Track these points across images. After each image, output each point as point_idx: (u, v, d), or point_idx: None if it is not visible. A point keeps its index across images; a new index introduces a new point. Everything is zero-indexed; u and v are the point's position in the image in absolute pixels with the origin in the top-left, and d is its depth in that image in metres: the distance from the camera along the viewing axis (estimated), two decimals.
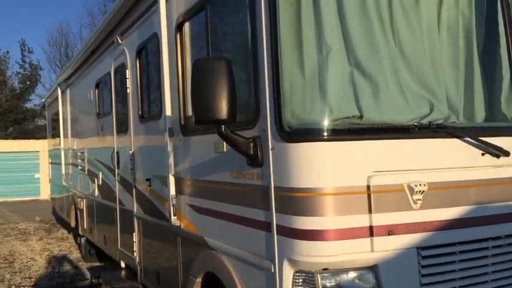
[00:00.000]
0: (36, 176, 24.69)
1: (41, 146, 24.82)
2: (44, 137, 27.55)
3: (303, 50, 2.68)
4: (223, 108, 2.66)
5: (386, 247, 2.52)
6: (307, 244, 2.52)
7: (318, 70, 2.65)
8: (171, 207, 4.12)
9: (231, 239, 3.25)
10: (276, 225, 2.69)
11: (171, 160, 4.13)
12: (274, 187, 2.70)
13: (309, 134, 2.55)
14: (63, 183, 10.44)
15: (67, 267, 9.02)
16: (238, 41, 3.16)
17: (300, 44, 2.69)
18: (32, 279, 8.22)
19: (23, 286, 7.83)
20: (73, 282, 7.96)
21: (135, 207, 5.47)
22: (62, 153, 10.44)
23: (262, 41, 2.76)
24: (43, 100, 15.39)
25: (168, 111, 4.14)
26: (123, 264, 6.20)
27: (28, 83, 34.76)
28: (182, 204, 4.09)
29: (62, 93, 10.39)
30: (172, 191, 4.12)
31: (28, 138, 27.41)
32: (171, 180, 4.13)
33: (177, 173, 4.13)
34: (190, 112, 4.03)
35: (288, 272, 2.61)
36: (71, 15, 57.79)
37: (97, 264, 9.07)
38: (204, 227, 3.69)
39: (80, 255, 10.02)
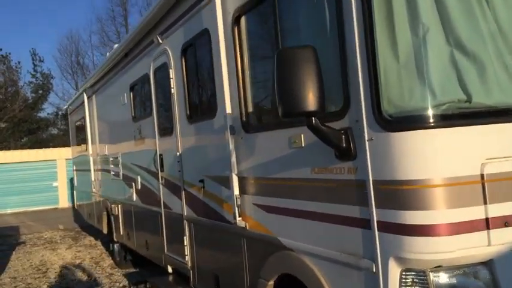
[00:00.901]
0: (55, 184, 24.70)
1: (57, 155, 24.89)
2: (59, 145, 27.68)
3: (399, 31, 2.52)
4: (312, 100, 2.51)
5: (503, 240, 2.35)
6: (418, 240, 2.36)
7: (417, 52, 2.48)
8: (236, 208, 3.97)
9: (314, 238, 3.10)
10: (377, 221, 2.53)
11: (234, 159, 3.98)
12: (373, 181, 2.54)
13: (415, 121, 2.39)
14: (93, 189, 10.34)
15: (102, 274, 8.92)
16: (319, 28, 3.00)
17: (395, 25, 2.52)
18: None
19: None
20: None
21: (185, 210, 5.34)
22: (91, 159, 10.34)
23: (353, 26, 2.61)
24: (65, 107, 15.32)
25: (228, 109, 3.99)
26: (170, 269, 6.06)
27: (40, 92, 34.89)
28: (247, 205, 3.95)
29: (88, 99, 10.30)
30: (236, 191, 3.98)
31: (43, 147, 27.43)
32: (235, 179, 3.98)
33: (240, 172, 3.99)
34: (251, 108, 3.90)
35: (395, 271, 2.45)
36: (80, 22, 58.03)
37: (132, 270, 8.97)
38: (276, 227, 3.54)
39: (112, 261, 9.93)
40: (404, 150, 2.39)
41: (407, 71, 2.49)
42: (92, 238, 13.40)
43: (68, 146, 27.78)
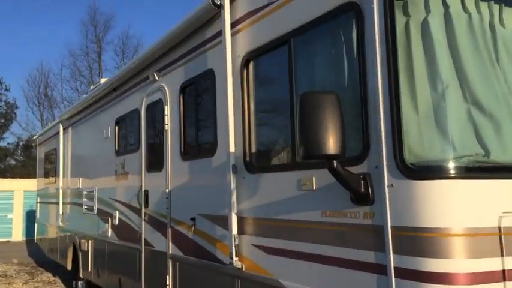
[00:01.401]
0: (9, 216, 23.70)
1: (15, 186, 24.04)
2: (17, 177, 26.76)
3: (421, 85, 2.66)
4: (335, 144, 2.60)
5: None
6: None
7: (438, 105, 2.63)
8: (233, 248, 3.94)
9: (321, 282, 3.11)
10: (395, 267, 2.58)
11: (234, 198, 3.99)
12: (392, 226, 2.61)
13: (438, 170, 2.50)
14: (60, 223, 10.00)
15: None
16: (338, 73, 3.12)
17: (416, 78, 2.67)
18: None
19: None
20: None
21: (170, 248, 5.24)
22: (60, 192, 10.05)
23: (376, 74, 2.73)
24: (34, 137, 14.95)
25: (231, 148, 4.03)
26: None
27: (2, 121, 33.97)
28: (245, 245, 3.93)
29: (64, 130, 10.12)
30: (235, 230, 3.96)
31: (0, 177, 26.47)
32: (234, 219, 3.97)
33: (240, 212, 3.99)
34: (255, 149, 3.96)
35: None
36: (52, 55, 57.34)
37: None
38: (278, 269, 3.53)
39: None
40: (426, 198, 2.48)
41: (429, 123, 2.61)
42: (49, 274, 12.84)
43: (27, 177, 27.02)
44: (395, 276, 2.58)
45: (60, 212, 10.02)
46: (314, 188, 3.19)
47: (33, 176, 27.78)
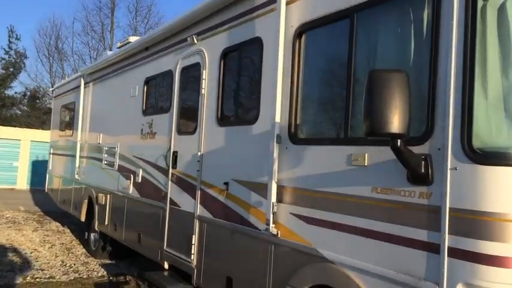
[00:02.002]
0: (15, 164, 23.90)
1: (22, 135, 24.17)
2: (22, 126, 26.84)
3: (494, 71, 2.70)
4: (401, 123, 2.65)
5: None
6: (491, 270, 2.51)
7: (507, 93, 2.67)
8: (271, 215, 4.04)
9: (363, 255, 3.21)
10: (448, 247, 2.67)
11: (275, 167, 4.06)
12: (450, 208, 2.69)
13: (505, 157, 2.56)
14: (75, 176, 10.11)
15: (77, 262, 8.72)
16: (405, 50, 3.15)
17: (491, 64, 2.71)
18: (45, 272, 7.91)
19: (39, 278, 7.51)
20: (89, 278, 7.69)
21: (198, 210, 5.35)
22: (77, 145, 10.13)
23: (451, 54, 2.76)
24: (51, 89, 14.94)
25: (277, 118, 4.08)
26: (166, 266, 6.03)
27: (11, 69, 33.78)
28: (283, 213, 4.03)
29: (85, 85, 10.13)
30: (274, 198, 4.05)
31: (5, 126, 26.54)
32: (273, 187, 4.06)
33: (280, 180, 4.07)
34: (301, 121, 4.01)
35: None
36: (65, 7, 56.48)
37: (108, 261, 8.82)
38: (317, 238, 3.64)
39: (85, 250, 9.72)
40: (490, 183, 2.56)
41: (498, 109, 2.67)
42: (57, 224, 13.06)
43: (33, 127, 27.08)
44: (448, 256, 2.67)
45: (77, 165, 10.13)
46: (366, 164, 3.26)
47: (37, 126, 27.87)
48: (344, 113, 3.50)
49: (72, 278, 7.64)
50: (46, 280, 7.42)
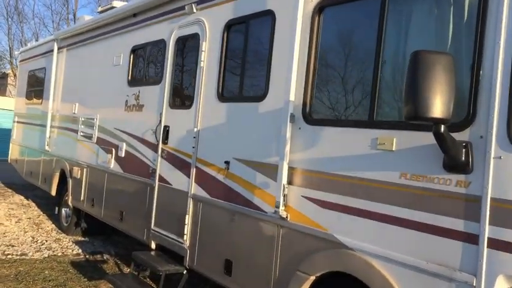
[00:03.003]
0: None
1: None
2: None
3: None
4: (445, 107, 2.53)
5: None
6: None
7: None
8: (281, 197, 3.89)
9: (389, 242, 3.11)
10: (488, 237, 2.60)
11: (287, 148, 3.90)
12: (491, 198, 2.60)
13: None
14: (45, 147, 9.63)
15: (48, 238, 8.35)
16: (444, 34, 3.01)
17: None
18: (16, 248, 7.53)
19: (11, 255, 7.14)
20: (64, 256, 7.38)
21: (193, 188, 5.14)
22: (49, 115, 9.62)
23: (499, 42, 2.65)
24: (17, 52, 14.13)
25: (291, 97, 3.90)
26: (153, 245, 5.81)
27: None
28: (293, 196, 3.89)
29: (58, 50, 9.59)
30: (285, 180, 3.90)
31: None
32: (285, 168, 3.90)
33: (292, 162, 3.91)
34: (318, 101, 3.86)
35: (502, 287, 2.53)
36: None
37: (81, 238, 8.50)
38: (333, 223, 3.51)
39: (53, 225, 9.34)
40: None
41: None
42: (21, 197, 12.52)
43: None
44: (488, 247, 2.60)
45: (47, 136, 9.64)
46: (393, 149, 3.14)
47: None
48: (370, 95, 3.35)
49: (46, 255, 7.30)
50: (18, 257, 7.04)
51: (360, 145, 3.37)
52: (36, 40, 35.12)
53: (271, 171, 4.12)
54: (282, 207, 3.89)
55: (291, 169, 3.92)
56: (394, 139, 3.14)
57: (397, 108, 3.24)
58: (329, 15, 3.83)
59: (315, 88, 3.85)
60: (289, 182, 3.92)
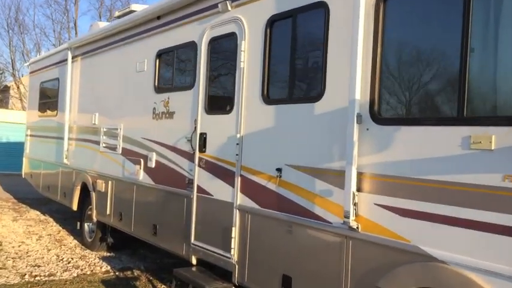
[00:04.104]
0: None
1: None
2: None
3: None
4: None
5: None
6: None
7: None
8: (351, 206, 3.52)
9: (496, 255, 2.75)
10: None
11: (355, 152, 3.53)
12: None
13: None
14: (64, 160, 9.28)
15: (74, 255, 8.00)
16: None
17: None
18: (43, 268, 7.18)
19: (39, 276, 6.78)
20: (94, 275, 7.02)
21: (239, 199, 4.78)
22: (66, 127, 9.28)
23: None
24: (26, 64, 13.80)
25: (357, 95, 3.54)
26: (194, 261, 5.45)
27: None
28: (364, 204, 3.52)
29: (73, 59, 9.25)
30: (354, 187, 3.53)
31: None
32: (353, 174, 3.53)
33: (360, 167, 3.55)
34: (387, 97, 3.50)
35: None
36: None
37: (107, 254, 8.14)
38: (419, 234, 3.15)
39: (76, 241, 8.99)
40: None
41: None
42: (37, 212, 12.19)
43: None
44: None
45: (65, 148, 9.29)
46: (492, 148, 2.78)
47: None
48: (458, 88, 2.99)
49: (75, 274, 6.94)
50: (47, 278, 6.69)
51: (448, 145, 3.01)
52: (38, 50, 34.91)
53: (334, 177, 3.77)
54: (352, 217, 3.53)
55: (359, 174, 3.56)
56: (493, 137, 2.78)
57: (495, 101, 2.87)
58: (396, 3, 3.46)
59: (384, 84, 3.50)
60: (358, 189, 3.56)
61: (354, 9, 3.59)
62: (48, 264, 7.39)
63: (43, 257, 7.81)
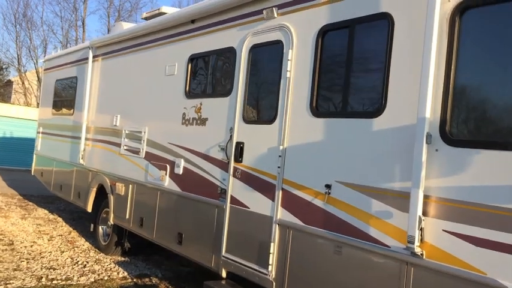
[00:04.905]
0: None
1: None
2: None
3: None
4: None
5: None
6: None
7: None
8: (416, 231, 3.33)
9: None
10: None
11: (423, 174, 3.34)
12: None
13: None
14: (80, 161, 9.06)
15: (89, 259, 7.77)
16: None
17: None
18: (58, 271, 6.95)
19: (56, 280, 6.56)
20: (112, 281, 6.80)
21: (279, 213, 4.58)
22: (83, 126, 9.06)
23: None
24: (42, 60, 13.58)
25: (427, 113, 3.35)
26: (224, 274, 5.24)
27: None
28: (431, 230, 3.32)
29: (94, 58, 9.04)
30: (420, 211, 3.34)
31: None
32: (420, 197, 3.34)
33: (427, 189, 3.35)
34: (460, 117, 3.30)
35: None
36: None
37: (121, 259, 7.92)
38: (498, 266, 2.95)
39: (88, 243, 8.77)
40: None
41: None
42: (45, 211, 11.98)
43: None
44: None
45: (81, 148, 9.08)
46: None
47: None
48: None
49: (92, 279, 6.71)
50: (64, 283, 6.46)
51: None
52: (45, 47, 34.70)
53: (393, 198, 3.58)
54: (417, 243, 3.33)
55: (425, 198, 3.36)
56: None
57: None
58: (474, 16, 3.28)
59: (457, 102, 3.30)
60: (423, 213, 3.36)
61: (426, 22, 3.40)
62: (63, 268, 7.16)
63: (57, 259, 7.58)
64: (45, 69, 12.24)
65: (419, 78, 3.43)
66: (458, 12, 3.31)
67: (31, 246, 8.32)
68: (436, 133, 3.34)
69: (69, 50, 10.78)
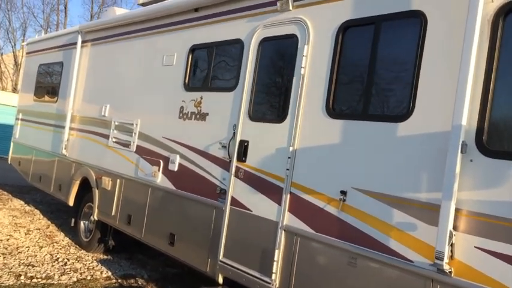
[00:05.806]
0: None
1: None
2: None
3: None
4: None
5: None
6: None
7: None
8: (446, 247, 3.08)
9: None
10: None
11: (456, 186, 3.10)
12: None
13: None
14: (63, 151, 8.61)
15: (69, 256, 7.36)
16: None
17: None
18: (38, 269, 6.54)
19: (36, 278, 6.15)
20: (95, 281, 6.42)
21: (286, 218, 4.30)
22: (68, 115, 8.61)
23: None
24: (23, 43, 12.98)
25: (463, 120, 3.11)
26: (220, 279, 4.94)
27: None
28: (462, 246, 3.09)
29: (82, 43, 8.60)
30: (451, 225, 3.10)
31: None
32: (452, 210, 3.10)
33: (459, 202, 3.12)
34: (500, 126, 3.07)
35: None
36: None
37: (104, 257, 7.54)
38: None
39: (68, 239, 8.34)
40: None
41: None
42: (20, 201, 11.44)
43: None
44: None
45: (65, 138, 8.63)
46: None
47: None
48: None
49: (74, 279, 6.32)
50: (45, 282, 6.06)
51: None
52: (25, 30, 33.67)
53: (419, 210, 3.34)
54: (446, 259, 3.09)
55: (456, 211, 3.12)
56: None
57: None
58: None
59: (497, 111, 3.07)
60: (454, 228, 3.12)
61: (467, 23, 3.16)
62: (42, 265, 6.75)
63: (36, 255, 7.16)
64: (27, 53, 11.69)
65: (453, 82, 3.20)
66: (503, 13, 3.08)
67: (7, 240, 7.86)
68: (472, 142, 3.11)
69: (55, 34, 10.30)
